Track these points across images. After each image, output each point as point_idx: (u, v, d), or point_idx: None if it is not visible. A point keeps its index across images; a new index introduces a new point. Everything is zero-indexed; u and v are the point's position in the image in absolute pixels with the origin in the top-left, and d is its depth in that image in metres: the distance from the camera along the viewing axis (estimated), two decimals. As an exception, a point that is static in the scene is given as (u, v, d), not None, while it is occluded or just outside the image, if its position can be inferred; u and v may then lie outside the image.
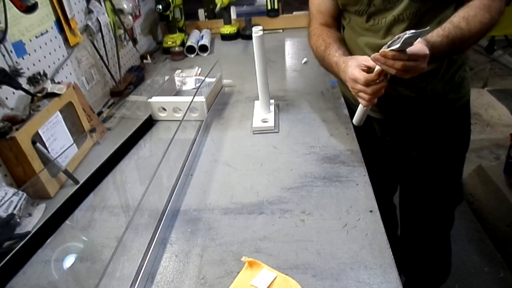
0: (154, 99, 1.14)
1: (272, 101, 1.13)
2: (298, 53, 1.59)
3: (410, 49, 0.71)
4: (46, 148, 0.88)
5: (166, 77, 1.31)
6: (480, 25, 0.79)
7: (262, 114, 1.09)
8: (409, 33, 0.67)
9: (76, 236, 0.78)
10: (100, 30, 1.26)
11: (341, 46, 0.94)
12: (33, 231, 0.76)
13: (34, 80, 0.96)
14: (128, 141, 1.05)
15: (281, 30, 1.87)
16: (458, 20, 0.79)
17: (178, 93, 1.31)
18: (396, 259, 0.64)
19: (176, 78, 1.33)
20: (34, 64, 0.97)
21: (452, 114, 1.00)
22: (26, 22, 0.94)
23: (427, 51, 0.73)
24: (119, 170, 0.96)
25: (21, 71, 0.90)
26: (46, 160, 0.87)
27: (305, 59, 1.48)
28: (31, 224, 0.80)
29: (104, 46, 1.30)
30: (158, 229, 0.71)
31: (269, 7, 1.81)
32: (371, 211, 0.73)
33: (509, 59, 3.14)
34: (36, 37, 0.98)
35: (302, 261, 0.65)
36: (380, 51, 0.73)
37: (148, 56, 1.63)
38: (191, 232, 0.74)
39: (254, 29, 0.96)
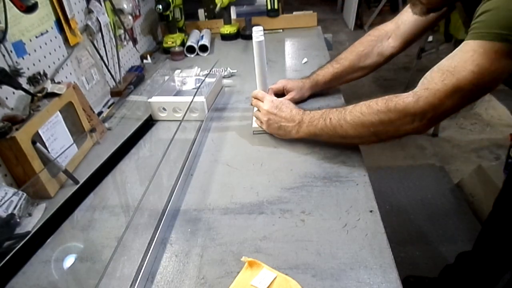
0: (154, 99, 1.14)
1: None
2: (298, 53, 1.59)
3: None
4: (46, 148, 0.88)
5: (166, 77, 1.31)
6: (366, 109, 0.79)
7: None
8: None
9: (76, 236, 0.78)
10: (100, 30, 1.26)
11: None
12: (33, 231, 0.76)
13: (34, 80, 0.96)
14: (128, 141, 1.05)
15: (281, 30, 1.87)
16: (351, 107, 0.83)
17: (178, 93, 1.31)
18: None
19: (176, 78, 1.33)
20: (34, 64, 0.97)
21: None
22: (26, 22, 0.94)
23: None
24: (119, 170, 0.96)
25: (21, 71, 0.90)
26: (46, 160, 0.87)
27: (305, 59, 1.48)
28: (31, 224, 0.80)
29: (104, 46, 1.30)
30: (158, 229, 0.71)
31: (269, 7, 1.80)
32: (371, 211, 0.73)
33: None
34: (36, 37, 0.98)
35: (302, 261, 0.65)
36: None
37: (148, 56, 1.63)
38: (191, 232, 0.74)
39: (254, 33, 0.94)
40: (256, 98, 1.01)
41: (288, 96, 1.10)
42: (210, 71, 1.27)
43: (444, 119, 0.75)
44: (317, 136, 0.89)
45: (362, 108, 0.80)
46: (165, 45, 1.70)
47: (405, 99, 0.74)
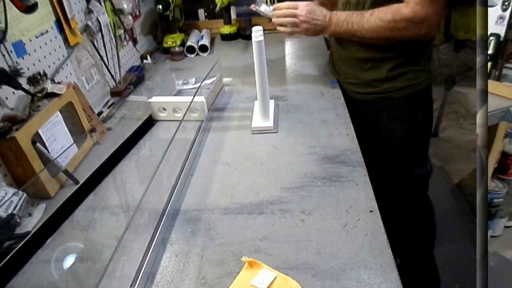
0: (154, 99, 1.14)
1: (272, 101, 1.13)
2: (298, 53, 1.59)
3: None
4: (46, 148, 0.88)
5: (166, 77, 1.31)
6: (379, 21, 0.97)
7: (261, 114, 1.08)
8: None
9: (76, 236, 0.78)
10: (100, 30, 1.26)
11: None
12: (33, 231, 0.76)
13: (34, 80, 0.96)
14: (128, 141, 1.05)
15: (281, 30, 1.86)
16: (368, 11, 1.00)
17: (178, 93, 1.31)
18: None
19: (176, 78, 1.33)
20: (34, 64, 0.97)
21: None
22: (26, 22, 0.94)
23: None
24: (119, 170, 0.96)
25: (21, 71, 0.90)
26: (46, 160, 0.87)
27: None
28: (31, 224, 0.80)
29: (104, 46, 1.30)
30: (158, 229, 0.71)
31: (269, 7, 1.80)
32: (371, 211, 0.73)
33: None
34: (36, 37, 0.98)
35: (302, 261, 0.65)
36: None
37: (148, 56, 1.63)
38: (191, 232, 0.74)
39: (254, 32, 0.94)
40: (284, 8, 1.11)
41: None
42: (209, 72, 1.27)
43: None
44: (341, 35, 1.09)
45: (376, 21, 0.97)
46: (165, 45, 1.70)
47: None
